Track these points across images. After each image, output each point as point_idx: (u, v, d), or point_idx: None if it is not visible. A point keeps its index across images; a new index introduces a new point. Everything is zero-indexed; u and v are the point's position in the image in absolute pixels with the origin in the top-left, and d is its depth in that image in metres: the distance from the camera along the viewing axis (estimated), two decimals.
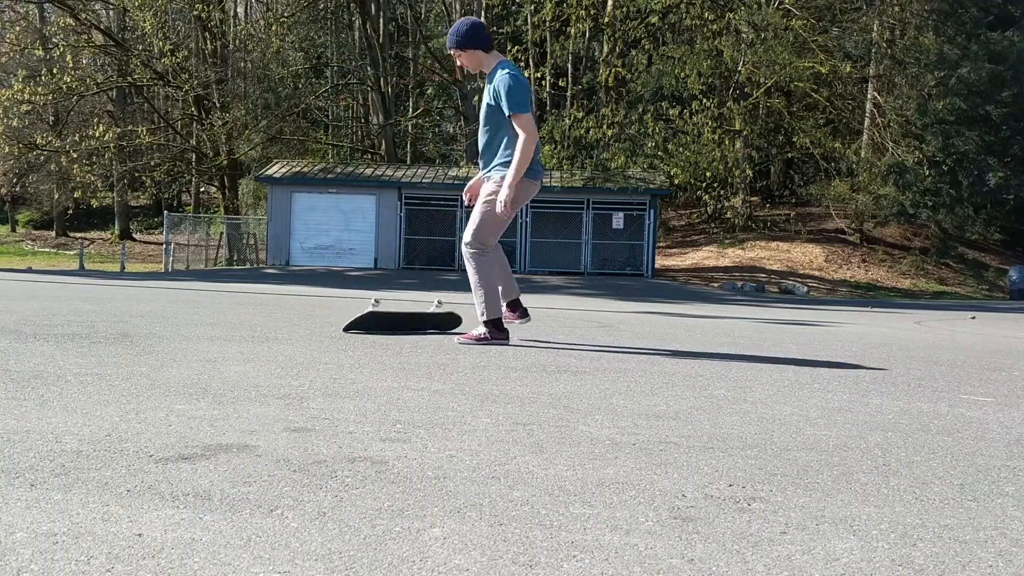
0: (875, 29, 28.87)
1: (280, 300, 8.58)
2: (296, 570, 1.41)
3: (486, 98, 4.73)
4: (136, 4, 27.58)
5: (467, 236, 4.80)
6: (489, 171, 4.80)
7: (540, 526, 1.68)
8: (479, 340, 4.80)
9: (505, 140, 4.70)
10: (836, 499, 1.96)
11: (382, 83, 31.41)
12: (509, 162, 4.63)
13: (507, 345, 4.76)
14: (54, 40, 29.77)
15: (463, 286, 16.53)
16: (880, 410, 3.20)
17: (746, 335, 6.60)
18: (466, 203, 5.06)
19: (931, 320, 10.80)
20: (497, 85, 4.63)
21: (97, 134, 27.12)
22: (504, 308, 4.95)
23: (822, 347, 5.74)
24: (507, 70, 4.66)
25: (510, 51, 23.55)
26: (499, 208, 4.62)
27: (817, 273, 26.02)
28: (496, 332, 4.83)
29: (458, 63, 4.85)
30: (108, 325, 5.10)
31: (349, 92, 36.66)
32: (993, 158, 25.36)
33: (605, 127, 23.92)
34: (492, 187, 4.74)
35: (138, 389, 2.98)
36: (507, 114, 4.61)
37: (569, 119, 25.15)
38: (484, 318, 4.83)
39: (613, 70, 25.82)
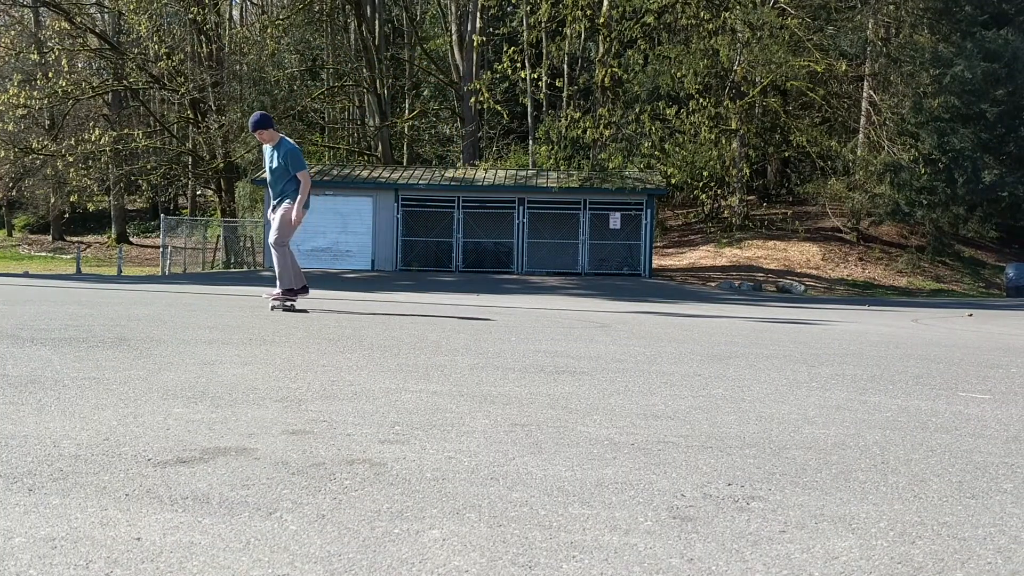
0: (870, 27, 28.91)
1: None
2: (295, 573, 1.41)
3: (280, 158, 7.35)
4: (131, 8, 27.54)
5: (272, 236, 7.39)
6: (281, 200, 7.44)
7: (539, 527, 1.68)
8: (274, 298, 7.35)
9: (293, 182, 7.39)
10: (835, 497, 1.96)
11: (378, 85, 31.39)
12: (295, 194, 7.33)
13: (294, 300, 7.37)
14: (49, 44, 29.72)
15: (461, 287, 16.54)
16: (878, 408, 3.20)
17: (744, 334, 6.60)
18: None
19: (928, 318, 10.81)
20: (290, 153, 7.35)
21: (93, 138, 27.07)
22: (296, 290, 7.40)
23: (820, 346, 5.75)
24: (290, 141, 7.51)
25: (506, 52, 23.50)
26: (294, 215, 7.28)
27: (814, 272, 26.05)
28: (286, 296, 7.31)
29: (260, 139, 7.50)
30: (105, 329, 5.09)
31: (345, 94, 36.64)
32: (988, 156, 25.39)
33: (602, 127, 23.92)
34: (286, 206, 7.34)
35: (136, 393, 2.98)
36: (292, 173, 7.31)
37: (566, 119, 25.14)
38: (280, 287, 7.30)
39: (609, 70, 25.82)
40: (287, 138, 7.51)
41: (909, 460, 2.36)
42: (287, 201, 7.33)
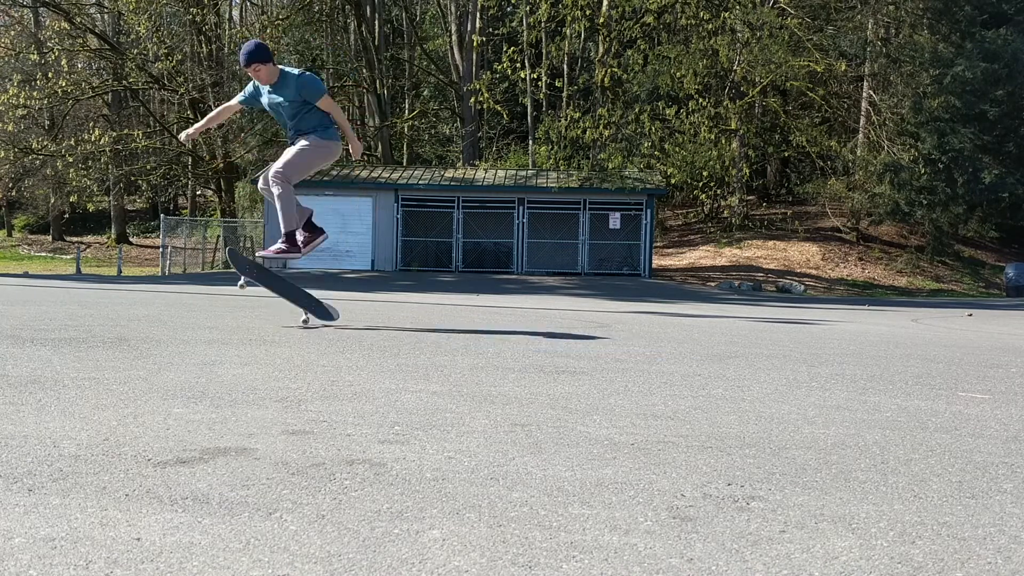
0: (870, 27, 28.92)
1: (277, 303, 8.57)
2: (295, 573, 1.41)
3: (289, 97, 5.52)
4: (131, 8, 27.54)
5: (278, 166, 5.55)
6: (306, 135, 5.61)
7: (539, 527, 1.68)
8: (277, 252, 5.80)
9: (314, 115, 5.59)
10: (835, 497, 1.96)
11: (378, 85, 31.39)
12: (322, 127, 5.59)
13: (299, 256, 5.85)
14: (49, 44, 29.73)
15: (461, 287, 16.54)
16: (878, 408, 3.20)
17: (744, 334, 6.60)
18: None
19: (928, 318, 10.81)
20: (303, 83, 5.49)
21: (93, 138, 27.07)
22: (301, 229, 5.84)
23: (819, 346, 5.75)
24: (297, 69, 5.66)
25: (506, 52, 23.50)
26: (352, 148, 5.89)
27: (814, 272, 26.04)
28: (290, 244, 5.74)
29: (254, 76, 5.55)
30: (105, 329, 5.08)
31: (345, 94, 36.63)
32: (988, 156, 25.40)
33: (601, 127, 23.93)
34: (310, 140, 5.56)
35: (135, 393, 2.98)
36: (317, 102, 5.52)
37: (565, 119, 25.15)
38: (284, 227, 5.68)
39: (609, 70, 25.82)
40: (291, 67, 5.69)
41: (909, 460, 2.36)
42: (312, 136, 5.57)
